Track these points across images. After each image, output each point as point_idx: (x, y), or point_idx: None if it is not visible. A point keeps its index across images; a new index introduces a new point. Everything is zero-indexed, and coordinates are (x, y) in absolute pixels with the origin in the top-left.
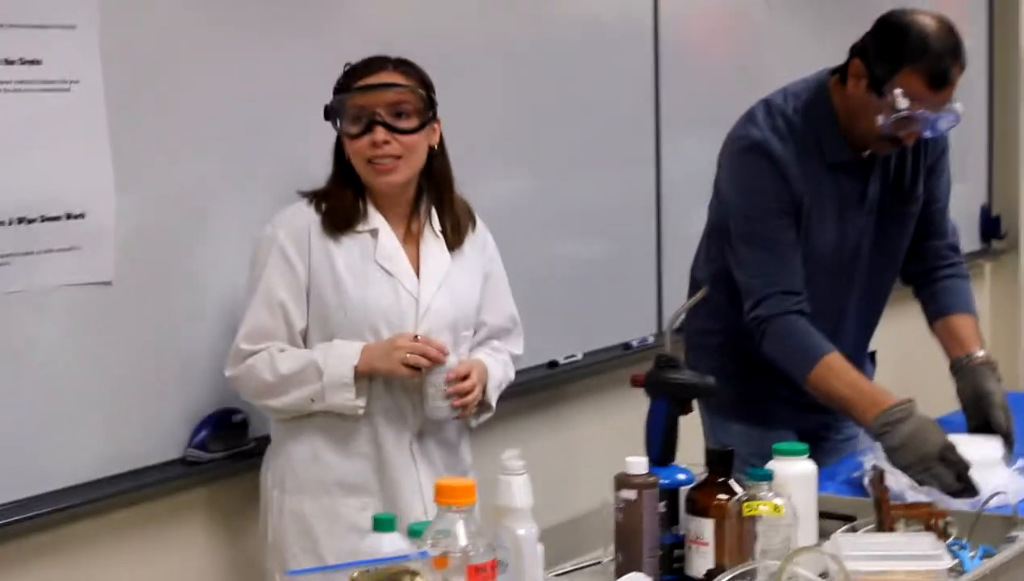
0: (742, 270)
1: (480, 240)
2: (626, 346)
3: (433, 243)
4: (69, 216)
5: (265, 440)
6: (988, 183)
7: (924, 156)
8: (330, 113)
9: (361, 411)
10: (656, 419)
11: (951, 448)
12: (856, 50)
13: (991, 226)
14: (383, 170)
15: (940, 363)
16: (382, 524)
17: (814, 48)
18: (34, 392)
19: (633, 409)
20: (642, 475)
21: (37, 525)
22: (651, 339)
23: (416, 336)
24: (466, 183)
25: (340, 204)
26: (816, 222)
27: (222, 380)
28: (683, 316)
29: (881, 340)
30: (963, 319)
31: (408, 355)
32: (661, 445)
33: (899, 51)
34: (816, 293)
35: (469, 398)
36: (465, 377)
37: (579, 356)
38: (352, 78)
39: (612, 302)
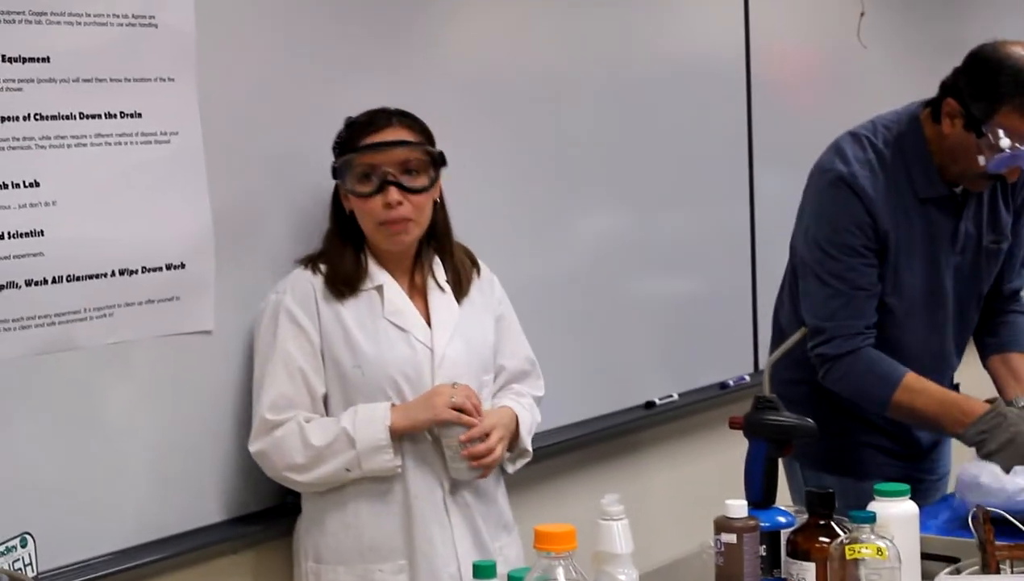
0: (810, 303)
1: (486, 284)
2: (722, 385)
3: (439, 294)
4: (169, 267)
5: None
6: None
7: (1014, 195)
8: (336, 172)
9: (399, 470)
10: (755, 461)
11: None
12: (948, 88)
13: None
14: (397, 231)
15: None
16: (482, 571)
17: (905, 81)
18: (136, 443)
19: (730, 449)
20: (742, 518)
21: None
22: (747, 378)
23: (454, 384)
24: (560, 217)
25: (342, 265)
26: (905, 258)
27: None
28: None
29: (961, 374)
30: (1020, 358)
31: (454, 398)
32: (761, 487)
33: (996, 88)
34: (913, 330)
35: (488, 459)
36: (487, 434)
37: (675, 396)
38: (357, 134)
39: (708, 340)
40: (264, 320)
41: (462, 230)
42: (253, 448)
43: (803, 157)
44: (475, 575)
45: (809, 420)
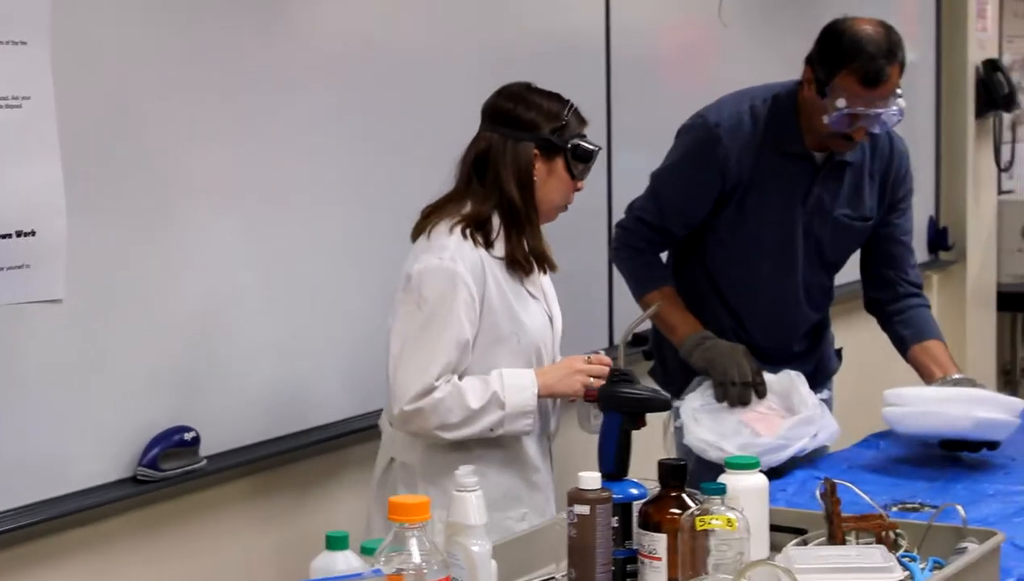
0: (639, 201)
1: None
2: None
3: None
4: (20, 233)
5: (219, 457)
6: (936, 195)
7: (885, 187)
8: (561, 151)
9: (531, 430)
10: (610, 433)
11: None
12: (807, 58)
13: (939, 238)
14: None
15: (904, 369)
16: (335, 542)
17: (764, 61)
18: None
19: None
20: (595, 490)
21: None
22: (603, 353)
23: (588, 358)
24: (415, 193)
25: (533, 243)
26: (754, 205)
27: (173, 397)
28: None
29: (847, 340)
30: (940, 346)
31: (591, 379)
32: (614, 459)
33: (836, 54)
34: (760, 275)
35: None
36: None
37: None
38: (582, 121)
39: (566, 316)
40: (437, 284)
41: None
42: (409, 407)
43: (661, 136)
44: (328, 546)
45: (663, 392)
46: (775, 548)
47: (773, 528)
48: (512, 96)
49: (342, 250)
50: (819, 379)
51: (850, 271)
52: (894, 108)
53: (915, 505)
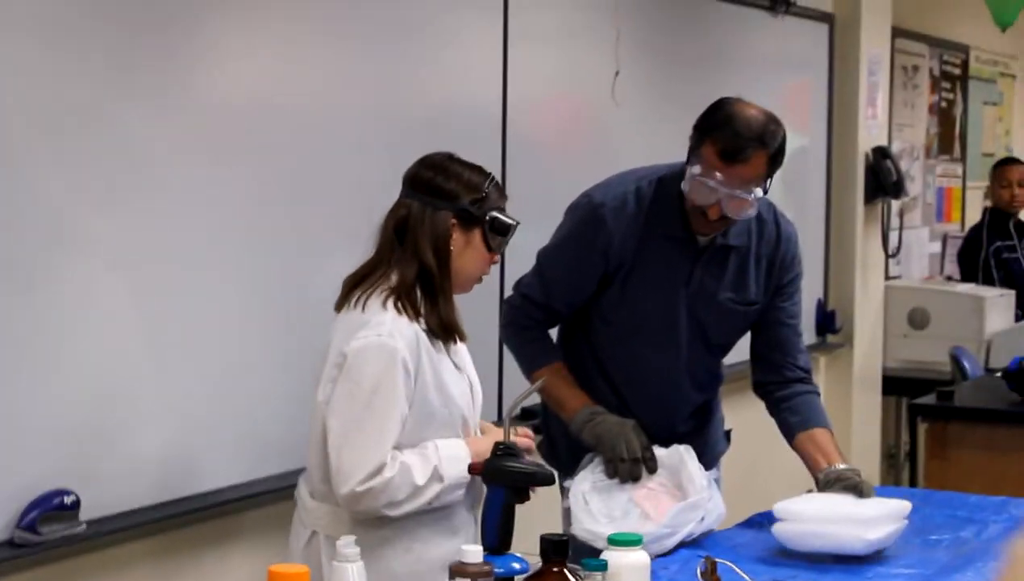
0: (526, 278)
1: None
2: None
3: None
4: None
5: (99, 523)
6: (824, 279)
7: (771, 272)
8: (479, 223)
9: (461, 499)
10: (493, 507)
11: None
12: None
13: (826, 320)
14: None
15: (789, 453)
16: None
17: (659, 139)
18: None
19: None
20: (476, 564)
21: None
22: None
23: (515, 430)
24: (313, 265)
25: (450, 315)
26: (637, 283)
27: (53, 459)
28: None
29: (736, 421)
30: (826, 435)
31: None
32: (497, 533)
33: (705, 124)
34: (643, 356)
35: None
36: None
37: None
38: (502, 195)
39: None
40: (377, 362)
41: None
42: (361, 488)
43: (552, 211)
44: None
45: (547, 467)
46: None
47: None
48: (433, 165)
49: (236, 314)
50: (707, 460)
51: (743, 350)
52: (750, 196)
53: None
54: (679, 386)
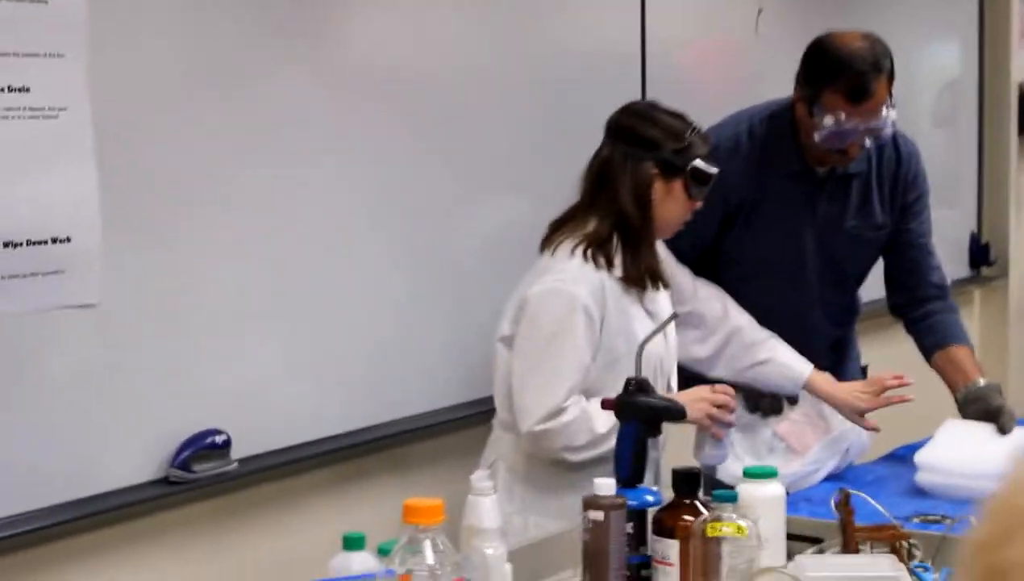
0: None
1: None
2: None
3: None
4: (55, 240)
5: (250, 460)
6: (978, 210)
7: (895, 192)
8: (680, 172)
9: None
10: (625, 441)
11: None
12: (796, 76)
13: (980, 253)
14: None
15: (931, 383)
16: (352, 543)
17: None
18: (20, 411)
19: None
20: (609, 496)
21: (16, 544)
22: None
23: (713, 387)
24: (466, 210)
25: (651, 261)
26: (760, 224)
27: (206, 399)
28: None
29: (872, 357)
30: (963, 351)
31: (714, 410)
32: (630, 467)
33: (821, 72)
34: (774, 294)
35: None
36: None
37: None
38: (705, 142)
39: None
40: (556, 307)
41: (365, 224)
42: (539, 427)
43: None
44: (344, 546)
45: (678, 402)
46: (791, 557)
47: (790, 537)
48: (636, 113)
49: (380, 271)
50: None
51: (877, 286)
52: (886, 120)
53: (936, 517)
54: (813, 321)
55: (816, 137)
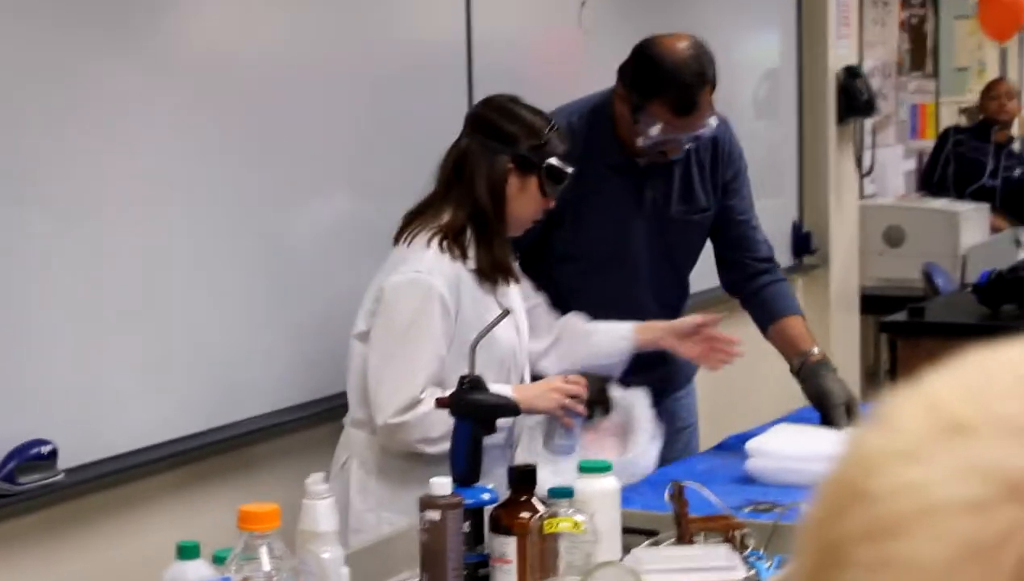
0: None
1: None
2: None
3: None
4: None
5: (77, 470)
6: (799, 200)
7: (715, 173)
8: (535, 169)
9: (501, 443)
10: (460, 439)
11: None
12: (620, 73)
13: (802, 242)
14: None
15: (773, 364)
16: (186, 552)
17: None
18: None
19: None
20: (445, 496)
21: None
22: None
23: (565, 377)
24: (287, 204)
25: (502, 257)
26: (588, 219)
27: (30, 407)
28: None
29: None
30: (792, 320)
31: (567, 400)
32: (465, 465)
33: (648, 83)
34: (607, 285)
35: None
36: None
37: None
38: (563, 141)
39: None
40: (412, 298)
41: (198, 220)
42: (395, 420)
43: None
44: (178, 556)
45: (512, 399)
46: (627, 550)
47: (625, 530)
48: (496, 107)
49: (210, 262)
50: (679, 380)
51: (710, 274)
52: (706, 129)
53: (767, 505)
54: (647, 309)
55: (639, 142)
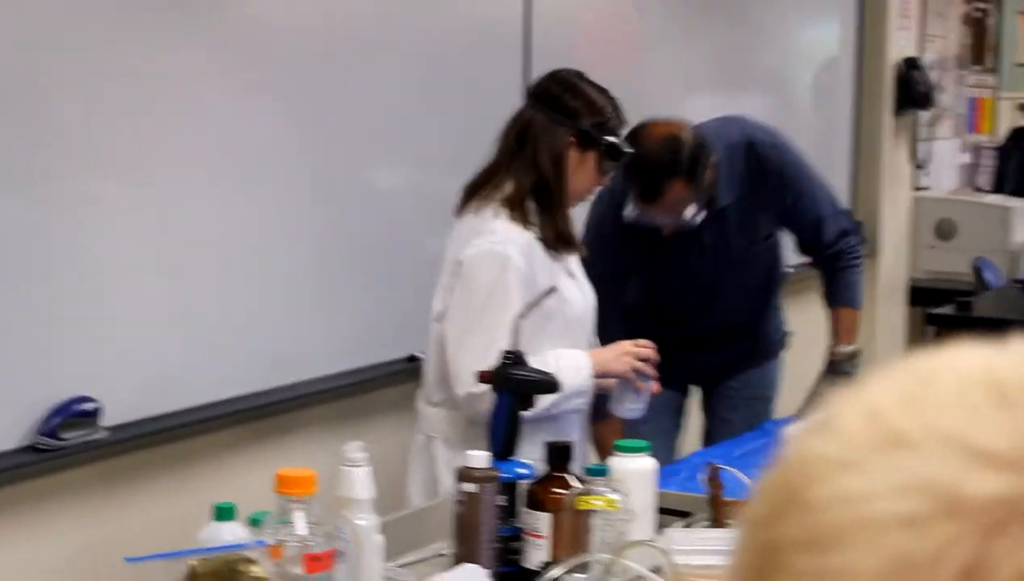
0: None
1: None
2: None
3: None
4: None
5: (120, 428)
6: (852, 189)
7: (774, 197)
8: (595, 144)
9: (583, 409)
10: (500, 414)
11: None
12: None
13: None
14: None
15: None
16: (222, 513)
17: (688, 49)
18: None
19: None
20: (482, 468)
21: None
22: None
23: (636, 342)
24: (338, 170)
25: (566, 228)
26: (650, 274)
27: (75, 365)
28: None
29: (797, 322)
30: (840, 312)
31: (638, 363)
32: (503, 439)
33: (625, 165)
34: (674, 312)
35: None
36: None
37: None
38: (623, 122)
39: None
40: (490, 268)
41: (244, 187)
42: (477, 390)
43: None
44: (215, 517)
45: (552, 375)
46: (661, 530)
47: (660, 511)
48: (561, 81)
49: (255, 229)
50: (759, 357)
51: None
52: (688, 217)
53: None
54: (725, 318)
55: (625, 216)
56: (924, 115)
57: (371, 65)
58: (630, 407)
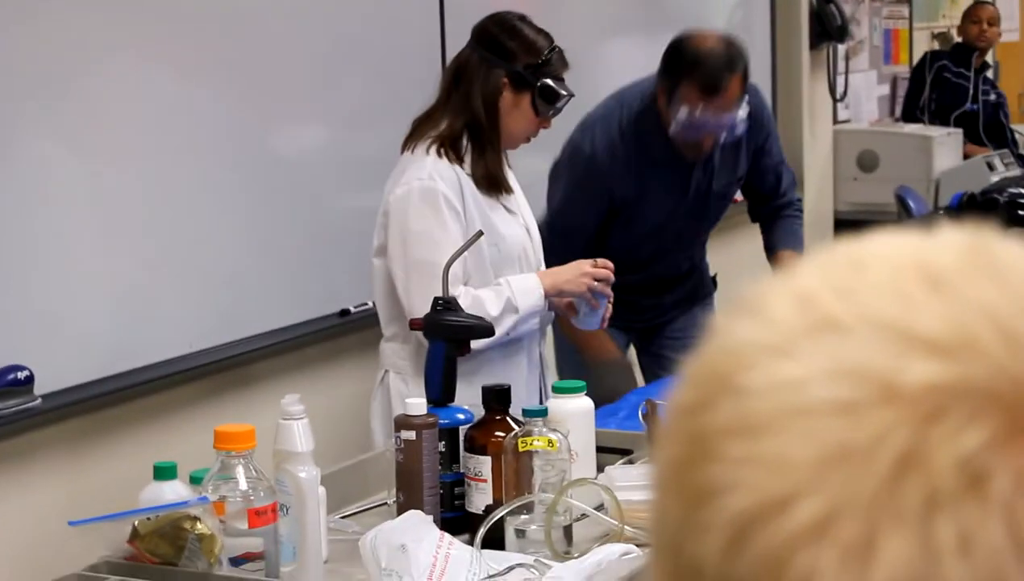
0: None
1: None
2: None
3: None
4: None
5: (54, 395)
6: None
7: (750, 140)
8: (529, 87)
9: (536, 329)
10: (435, 360)
11: None
12: (658, 71)
13: None
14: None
15: None
16: (162, 472)
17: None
18: None
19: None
20: (421, 415)
21: None
22: None
23: (594, 261)
24: (261, 133)
25: (498, 168)
26: (641, 210)
27: (6, 336)
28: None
29: (719, 264)
30: (787, 254)
31: (595, 283)
32: (440, 386)
33: (676, 68)
34: (644, 258)
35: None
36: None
37: (370, 304)
38: (564, 65)
39: None
40: (421, 204)
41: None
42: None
43: None
44: (155, 476)
45: (485, 320)
46: (602, 469)
47: (600, 449)
48: (500, 23)
49: (183, 186)
50: (702, 293)
51: None
52: (737, 118)
53: None
54: (675, 265)
55: (671, 128)
56: (841, 48)
57: (292, 25)
58: (584, 320)
